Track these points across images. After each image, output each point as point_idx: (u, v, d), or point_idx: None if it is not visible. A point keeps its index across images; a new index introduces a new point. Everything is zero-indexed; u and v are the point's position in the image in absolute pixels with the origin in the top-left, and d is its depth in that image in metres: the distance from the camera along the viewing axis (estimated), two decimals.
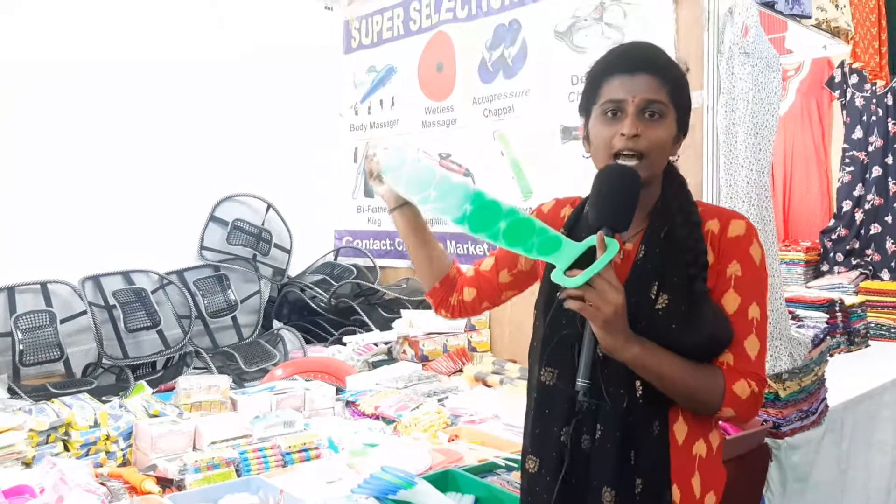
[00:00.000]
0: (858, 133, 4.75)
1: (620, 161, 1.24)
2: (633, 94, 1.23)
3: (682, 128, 1.32)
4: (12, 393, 2.94)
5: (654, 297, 1.22)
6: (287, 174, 4.31)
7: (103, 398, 2.72)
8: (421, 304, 3.90)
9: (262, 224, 4.18)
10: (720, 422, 1.33)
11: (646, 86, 1.23)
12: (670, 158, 1.33)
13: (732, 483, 1.34)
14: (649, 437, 1.22)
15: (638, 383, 1.21)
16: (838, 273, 4.61)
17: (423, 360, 3.40)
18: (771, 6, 2.78)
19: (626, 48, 1.32)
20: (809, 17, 3.00)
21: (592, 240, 1.15)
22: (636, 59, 1.27)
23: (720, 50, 2.54)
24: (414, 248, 1.60)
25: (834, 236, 4.77)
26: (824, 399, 2.66)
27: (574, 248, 1.17)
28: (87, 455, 2.15)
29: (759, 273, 1.27)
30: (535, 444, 1.33)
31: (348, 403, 2.72)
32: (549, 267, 1.35)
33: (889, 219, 4.59)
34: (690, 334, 1.20)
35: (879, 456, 3.03)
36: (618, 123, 1.24)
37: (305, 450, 2.12)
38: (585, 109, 1.34)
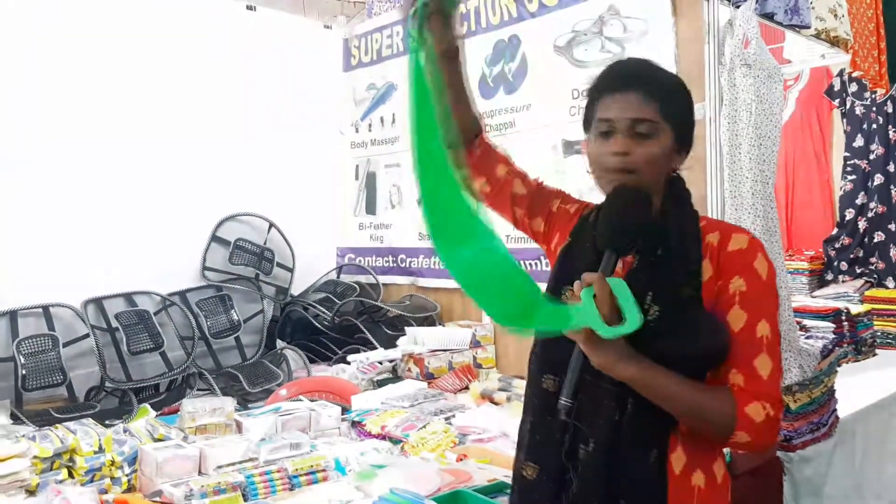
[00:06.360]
0: (859, 141, 4.74)
1: (613, 176, 1.24)
2: (621, 112, 1.24)
3: (682, 141, 1.29)
4: (15, 419, 2.92)
5: (646, 308, 1.19)
6: (288, 192, 4.31)
7: (106, 422, 2.70)
8: (425, 321, 3.87)
9: (265, 243, 4.17)
10: (736, 449, 1.28)
11: (634, 103, 1.23)
12: (679, 171, 1.32)
13: (746, 498, 1.31)
14: (641, 462, 1.18)
15: (630, 402, 1.18)
16: (843, 282, 4.58)
17: (429, 377, 3.38)
18: (770, 17, 2.78)
19: (617, 65, 1.33)
20: (808, 28, 3.01)
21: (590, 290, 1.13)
22: (625, 76, 1.28)
23: (721, 62, 2.53)
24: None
25: (837, 245, 4.75)
26: (834, 410, 2.64)
27: (585, 307, 1.12)
28: (91, 481, 2.12)
29: (767, 288, 1.22)
30: (536, 452, 1.32)
31: (354, 423, 2.69)
32: (563, 266, 1.34)
33: (892, 227, 4.57)
34: (681, 346, 1.16)
35: (893, 466, 2.99)
36: (609, 141, 1.25)
37: (312, 472, 2.10)
38: (587, 127, 1.35)
